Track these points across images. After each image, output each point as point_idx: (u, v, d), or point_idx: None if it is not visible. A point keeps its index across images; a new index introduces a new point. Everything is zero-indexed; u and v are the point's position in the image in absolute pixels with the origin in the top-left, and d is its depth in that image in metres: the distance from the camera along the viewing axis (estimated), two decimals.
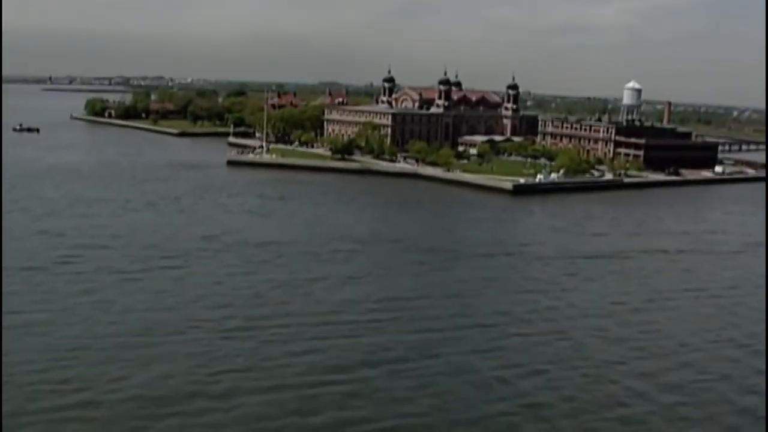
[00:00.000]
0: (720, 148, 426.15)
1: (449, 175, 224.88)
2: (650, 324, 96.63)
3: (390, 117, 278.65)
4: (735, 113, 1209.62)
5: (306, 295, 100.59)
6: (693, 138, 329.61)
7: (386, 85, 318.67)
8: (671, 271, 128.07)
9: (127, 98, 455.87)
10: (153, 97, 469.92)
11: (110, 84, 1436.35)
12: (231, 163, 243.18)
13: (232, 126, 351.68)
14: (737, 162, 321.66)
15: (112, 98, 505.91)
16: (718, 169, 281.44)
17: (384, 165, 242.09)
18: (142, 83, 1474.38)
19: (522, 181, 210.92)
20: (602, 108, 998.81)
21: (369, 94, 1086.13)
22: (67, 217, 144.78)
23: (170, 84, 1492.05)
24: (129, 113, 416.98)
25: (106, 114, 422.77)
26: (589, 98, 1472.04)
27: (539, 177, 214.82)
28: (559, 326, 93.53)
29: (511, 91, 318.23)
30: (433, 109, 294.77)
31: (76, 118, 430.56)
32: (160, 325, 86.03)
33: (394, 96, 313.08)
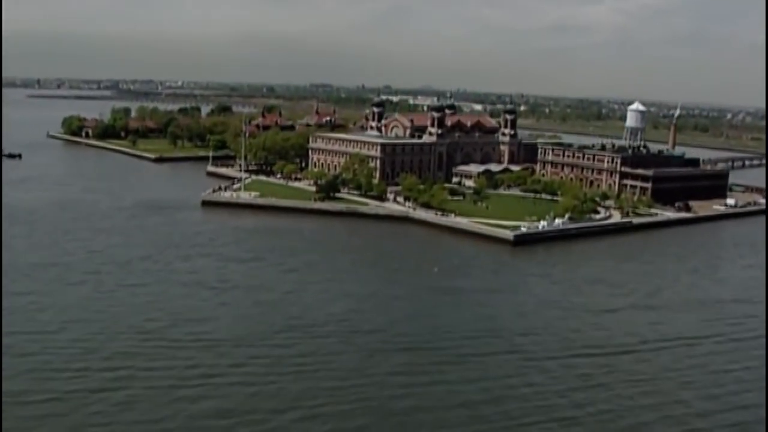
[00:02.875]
0: (722, 165, 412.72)
1: (443, 220, 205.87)
2: None
3: (379, 148, 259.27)
4: (729, 116, 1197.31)
5: None
6: (701, 164, 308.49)
7: (375, 110, 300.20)
8: (696, 378, 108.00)
9: (107, 114, 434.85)
10: (133, 114, 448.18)
11: (99, 88, 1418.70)
12: (206, 204, 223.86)
13: (212, 150, 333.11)
14: (747, 189, 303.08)
15: (95, 110, 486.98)
16: (730, 201, 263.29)
17: (372, 206, 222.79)
18: (132, 87, 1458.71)
19: (523, 229, 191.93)
20: (596, 113, 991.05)
21: (361, 99, 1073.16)
22: None
23: (159, 88, 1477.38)
24: (107, 132, 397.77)
25: (83, 133, 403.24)
26: (581, 100, 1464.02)
27: (542, 224, 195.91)
28: None
29: (508, 116, 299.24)
30: (426, 138, 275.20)
31: (54, 137, 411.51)
32: None
33: (383, 122, 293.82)
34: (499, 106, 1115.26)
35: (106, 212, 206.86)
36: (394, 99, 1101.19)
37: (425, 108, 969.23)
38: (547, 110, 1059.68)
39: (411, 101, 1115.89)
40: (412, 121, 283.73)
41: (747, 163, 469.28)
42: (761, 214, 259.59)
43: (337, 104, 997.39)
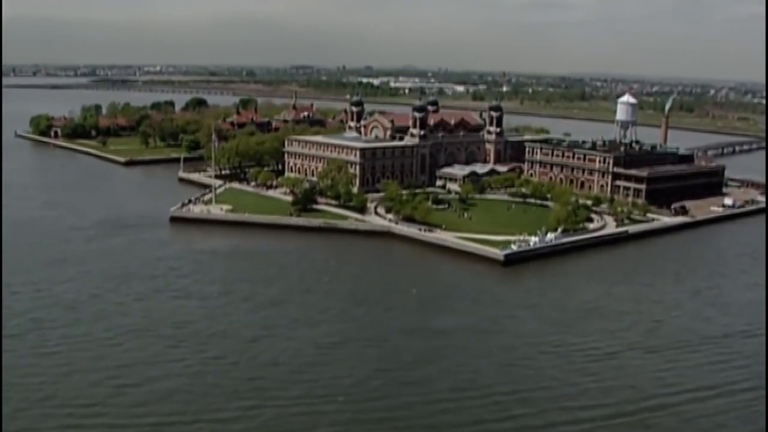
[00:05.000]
0: (713, 153, 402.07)
1: (428, 237, 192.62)
2: None
3: (358, 153, 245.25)
4: (712, 92, 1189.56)
5: None
6: (695, 159, 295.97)
7: (354, 109, 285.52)
8: None
9: (77, 111, 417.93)
10: (104, 111, 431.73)
11: (76, 74, 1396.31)
12: (174, 220, 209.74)
13: (185, 151, 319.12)
14: (743, 184, 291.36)
15: (69, 102, 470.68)
16: (728, 201, 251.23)
17: (351, 220, 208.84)
18: (110, 73, 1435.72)
19: (514, 247, 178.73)
20: (581, 93, 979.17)
21: (341, 83, 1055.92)
22: None
23: (137, 74, 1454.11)
24: (76, 132, 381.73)
25: (52, 133, 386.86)
26: (564, 78, 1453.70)
27: (533, 240, 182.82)
28: None
29: (494, 113, 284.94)
30: (407, 139, 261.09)
31: (22, 137, 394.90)
32: None
33: (363, 122, 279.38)
34: (482, 87, 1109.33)
35: (65, 234, 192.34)
36: (375, 82, 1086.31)
37: (407, 91, 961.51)
38: (530, 90, 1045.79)
39: (392, 83, 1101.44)
40: (392, 121, 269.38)
41: (737, 148, 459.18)
42: (760, 213, 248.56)
43: (317, 89, 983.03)
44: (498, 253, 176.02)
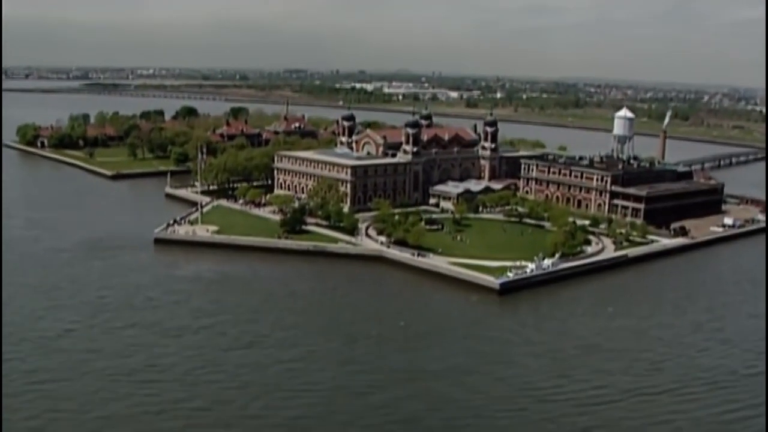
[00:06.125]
0: (710, 165, 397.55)
1: (421, 262, 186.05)
2: None
3: (349, 170, 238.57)
4: (706, 98, 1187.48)
5: None
6: (693, 174, 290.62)
7: (346, 123, 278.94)
8: None
9: (65, 120, 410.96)
10: (92, 120, 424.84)
11: (68, 77, 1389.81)
12: (159, 242, 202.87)
13: (174, 164, 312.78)
14: (742, 201, 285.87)
15: (60, 108, 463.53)
16: (727, 220, 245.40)
17: (342, 243, 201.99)
18: (102, 76, 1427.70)
19: (510, 275, 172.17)
20: (574, 100, 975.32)
21: (334, 88, 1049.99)
22: None
23: (130, 77, 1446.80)
24: (63, 142, 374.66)
25: (39, 143, 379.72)
26: (558, 83, 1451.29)
27: (530, 267, 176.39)
28: None
29: (489, 128, 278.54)
30: (400, 156, 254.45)
31: (8, 146, 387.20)
32: None
33: (354, 138, 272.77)
34: (476, 92, 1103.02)
35: (43, 257, 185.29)
36: (369, 88, 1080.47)
37: (401, 97, 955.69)
38: (524, 96, 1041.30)
39: (386, 89, 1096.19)
40: (385, 137, 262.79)
41: (734, 160, 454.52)
42: (760, 233, 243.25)
43: (310, 94, 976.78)
44: (493, 282, 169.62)
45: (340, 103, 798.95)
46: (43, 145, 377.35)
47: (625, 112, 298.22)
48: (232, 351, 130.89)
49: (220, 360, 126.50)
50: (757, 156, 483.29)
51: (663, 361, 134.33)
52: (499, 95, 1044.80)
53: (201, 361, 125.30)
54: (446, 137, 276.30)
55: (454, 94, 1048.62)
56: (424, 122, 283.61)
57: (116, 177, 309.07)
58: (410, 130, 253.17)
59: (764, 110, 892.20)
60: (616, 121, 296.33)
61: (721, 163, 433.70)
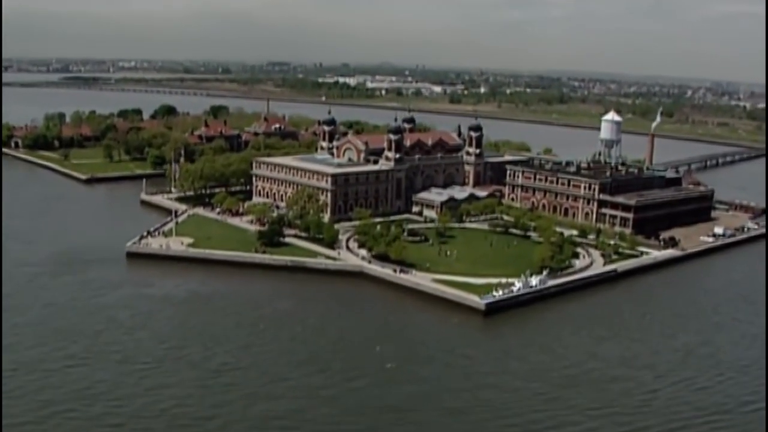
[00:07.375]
0: (697, 166, 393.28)
1: (403, 280, 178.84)
2: None
3: (329, 179, 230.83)
4: (689, 92, 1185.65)
5: None
6: (682, 179, 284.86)
7: (326, 128, 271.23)
8: None
9: (40, 119, 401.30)
10: (67, 119, 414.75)
11: (48, 71, 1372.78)
12: (131, 256, 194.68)
13: (150, 167, 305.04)
14: (731, 207, 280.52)
15: (38, 104, 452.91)
16: (718, 230, 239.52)
17: (322, 257, 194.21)
18: (83, 68, 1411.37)
19: (495, 294, 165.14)
20: (558, 95, 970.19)
21: (317, 83, 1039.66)
22: None
23: (111, 69, 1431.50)
24: (38, 143, 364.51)
25: (13, 144, 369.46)
26: (541, 77, 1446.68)
27: (517, 285, 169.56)
28: None
29: (473, 133, 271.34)
30: (382, 163, 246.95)
31: None
32: None
33: (335, 143, 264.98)
34: (459, 87, 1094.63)
35: (8, 272, 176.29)
36: (351, 82, 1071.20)
37: (384, 92, 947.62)
38: (508, 91, 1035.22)
39: (369, 83, 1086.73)
40: (366, 143, 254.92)
41: (720, 160, 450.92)
42: (752, 242, 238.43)
43: (292, 89, 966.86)
44: (478, 302, 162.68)
45: (323, 99, 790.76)
46: (17, 146, 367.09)
47: (612, 116, 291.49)
48: (200, 382, 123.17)
49: (188, 393, 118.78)
50: (743, 156, 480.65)
51: (654, 393, 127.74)
52: (482, 90, 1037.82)
53: (166, 396, 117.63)
54: (429, 142, 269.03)
55: (437, 89, 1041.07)
56: (407, 126, 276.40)
57: (90, 181, 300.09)
58: (393, 137, 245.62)
59: (748, 106, 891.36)
60: (603, 124, 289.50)
61: (708, 164, 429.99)
